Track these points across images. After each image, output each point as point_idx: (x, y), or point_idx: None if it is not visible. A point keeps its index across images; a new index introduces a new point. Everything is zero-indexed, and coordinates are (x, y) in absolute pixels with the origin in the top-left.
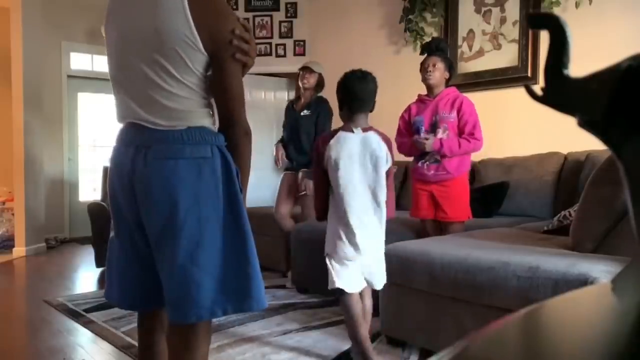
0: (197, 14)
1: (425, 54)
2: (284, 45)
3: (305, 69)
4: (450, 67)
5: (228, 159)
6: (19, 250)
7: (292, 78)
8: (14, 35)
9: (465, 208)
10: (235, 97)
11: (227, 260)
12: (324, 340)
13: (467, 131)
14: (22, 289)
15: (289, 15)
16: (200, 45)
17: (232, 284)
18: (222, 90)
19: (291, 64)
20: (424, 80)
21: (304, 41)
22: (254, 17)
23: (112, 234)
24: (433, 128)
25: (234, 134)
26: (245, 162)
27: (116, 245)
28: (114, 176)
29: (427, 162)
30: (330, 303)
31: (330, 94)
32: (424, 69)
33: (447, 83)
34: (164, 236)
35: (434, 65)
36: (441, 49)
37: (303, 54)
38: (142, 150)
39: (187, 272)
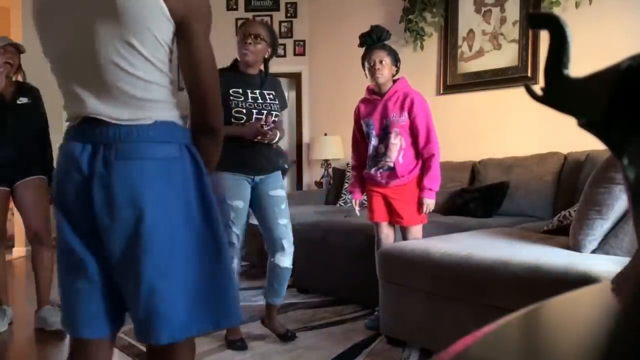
0: None
1: (365, 48)
2: (284, 45)
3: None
4: (396, 59)
5: (197, 159)
6: (19, 250)
7: (292, 78)
8: (14, 35)
9: (418, 213)
10: (207, 75)
11: (201, 273)
12: (324, 340)
13: (421, 143)
14: (22, 289)
15: (289, 15)
16: (167, 12)
17: (207, 298)
18: (193, 66)
19: (291, 64)
20: (373, 80)
21: (304, 41)
22: (254, 17)
23: (57, 250)
24: (385, 133)
25: (204, 127)
26: (211, 161)
27: (62, 261)
28: (64, 181)
29: (380, 170)
30: (330, 303)
31: (326, 84)
32: (370, 67)
33: (395, 75)
34: (130, 248)
35: (380, 62)
36: (384, 39)
37: (303, 54)
38: (100, 150)
39: (157, 287)
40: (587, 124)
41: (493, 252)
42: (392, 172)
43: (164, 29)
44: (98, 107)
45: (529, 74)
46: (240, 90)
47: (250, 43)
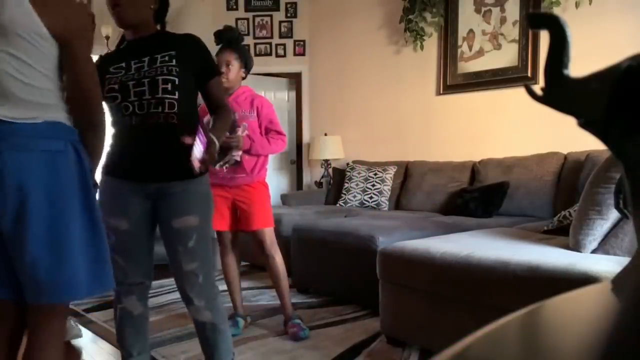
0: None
1: (220, 46)
2: (284, 45)
3: None
4: (247, 64)
5: (81, 154)
6: None
7: (292, 78)
8: None
9: (270, 214)
10: (87, 82)
11: (81, 247)
12: (324, 340)
13: (272, 129)
14: None
15: (289, 15)
16: (45, 30)
17: (89, 267)
18: (74, 75)
19: (291, 64)
20: None
21: (304, 41)
22: (254, 17)
23: None
24: (232, 127)
25: (88, 124)
26: (97, 156)
27: None
28: None
29: (227, 165)
30: (330, 303)
31: (330, 91)
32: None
33: (244, 79)
34: (17, 226)
35: (227, 65)
36: (234, 40)
37: (303, 54)
38: None
39: (38, 257)
40: (587, 124)
41: (493, 252)
42: (237, 167)
43: (46, 45)
44: None
45: (529, 74)
46: (123, 64)
47: None
